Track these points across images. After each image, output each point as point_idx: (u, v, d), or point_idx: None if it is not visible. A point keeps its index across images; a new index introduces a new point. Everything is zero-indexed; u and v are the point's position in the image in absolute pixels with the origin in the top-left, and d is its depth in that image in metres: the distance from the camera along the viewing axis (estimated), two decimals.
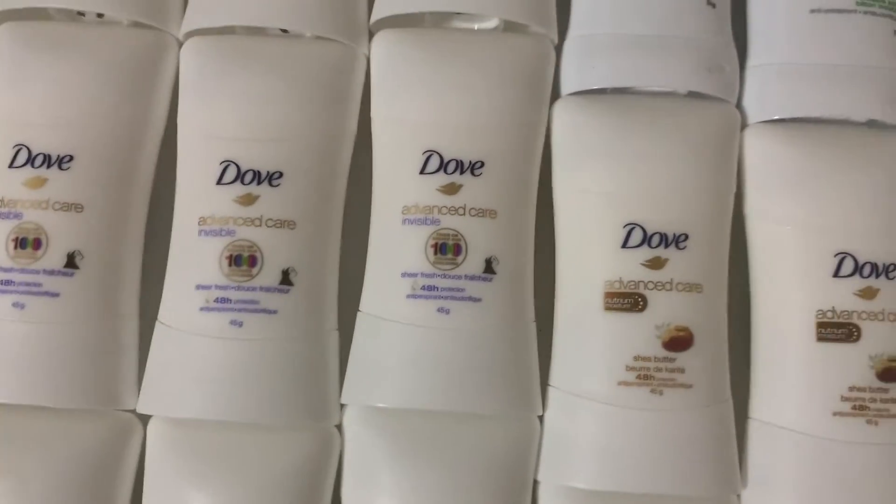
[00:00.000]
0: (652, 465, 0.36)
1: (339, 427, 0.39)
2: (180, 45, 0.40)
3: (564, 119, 0.39)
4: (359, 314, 0.39)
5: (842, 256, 0.37)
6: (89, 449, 0.37)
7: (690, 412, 0.36)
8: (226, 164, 0.38)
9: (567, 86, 0.40)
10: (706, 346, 0.37)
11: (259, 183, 0.37)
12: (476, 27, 0.42)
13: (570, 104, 0.40)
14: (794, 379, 0.37)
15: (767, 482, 0.37)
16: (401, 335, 0.37)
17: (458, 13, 0.41)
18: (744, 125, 0.40)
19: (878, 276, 0.37)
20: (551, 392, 0.38)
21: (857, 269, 0.37)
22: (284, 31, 0.40)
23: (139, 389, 0.38)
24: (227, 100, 0.38)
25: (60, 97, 0.38)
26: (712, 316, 0.38)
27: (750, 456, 0.38)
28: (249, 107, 0.38)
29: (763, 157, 0.39)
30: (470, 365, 0.36)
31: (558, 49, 0.41)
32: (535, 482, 0.38)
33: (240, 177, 0.38)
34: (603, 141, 0.38)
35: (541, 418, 0.38)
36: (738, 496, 0.38)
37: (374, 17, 0.40)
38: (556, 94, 0.41)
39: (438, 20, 0.42)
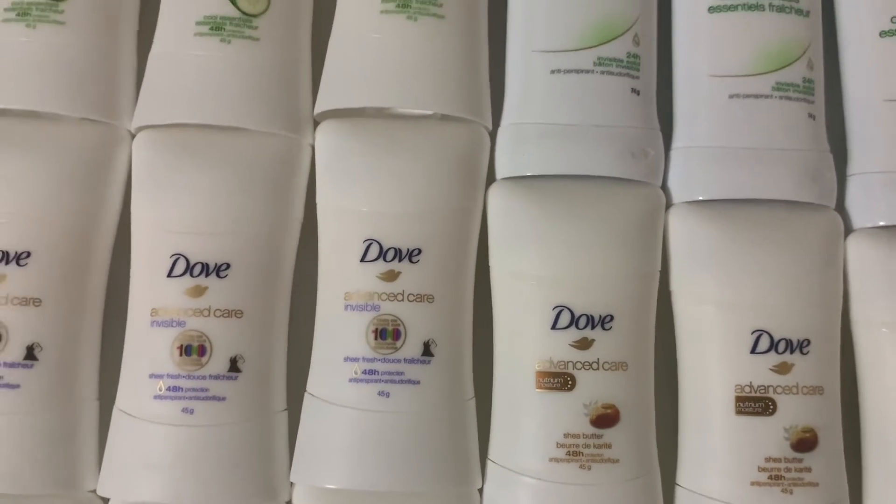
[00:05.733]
0: None
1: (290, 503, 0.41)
2: None
3: (498, 203, 0.42)
4: (306, 395, 0.41)
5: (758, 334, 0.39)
6: None
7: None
8: (176, 257, 0.40)
9: (501, 171, 0.42)
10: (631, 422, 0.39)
11: (207, 275, 0.40)
12: (417, 112, 0.44)
13: (504, 188, 0.42)
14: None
15: None
16: (344, 418, 0.39)
17: None
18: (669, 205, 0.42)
19: (791, 351, 0.39)
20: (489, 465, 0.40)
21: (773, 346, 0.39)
22: None
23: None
24: (175, 193, 0.40)
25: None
26: (638, 392, 0.40)
27: None
28: (197, 200, 0.40)
29: (686, 236, 0.41)
30: (410, 445, 0.39)
31: (493, 135, 0.43)
32: None
33: (189, 269, 0.40)
34: (534, 224, 0.41)
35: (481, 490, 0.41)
36: None
37: (318, 109, 0.42)
38: (493, 178, 0.43)
39: (379, 108, 0.44)
